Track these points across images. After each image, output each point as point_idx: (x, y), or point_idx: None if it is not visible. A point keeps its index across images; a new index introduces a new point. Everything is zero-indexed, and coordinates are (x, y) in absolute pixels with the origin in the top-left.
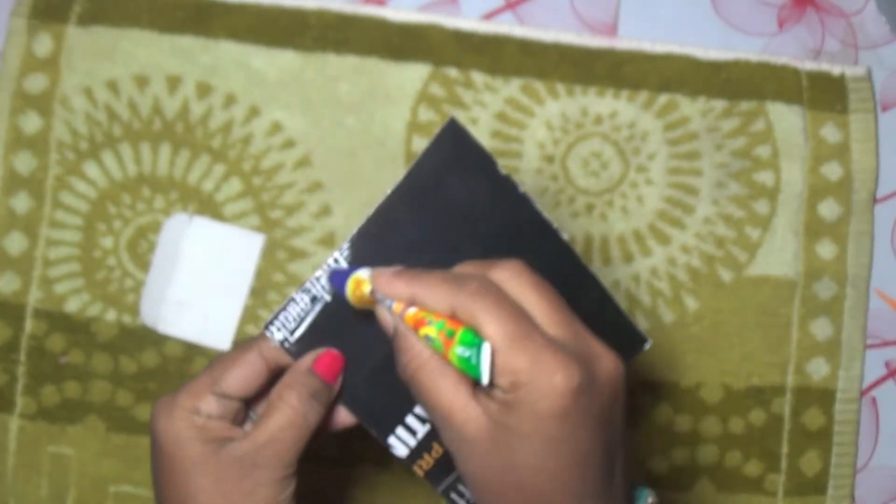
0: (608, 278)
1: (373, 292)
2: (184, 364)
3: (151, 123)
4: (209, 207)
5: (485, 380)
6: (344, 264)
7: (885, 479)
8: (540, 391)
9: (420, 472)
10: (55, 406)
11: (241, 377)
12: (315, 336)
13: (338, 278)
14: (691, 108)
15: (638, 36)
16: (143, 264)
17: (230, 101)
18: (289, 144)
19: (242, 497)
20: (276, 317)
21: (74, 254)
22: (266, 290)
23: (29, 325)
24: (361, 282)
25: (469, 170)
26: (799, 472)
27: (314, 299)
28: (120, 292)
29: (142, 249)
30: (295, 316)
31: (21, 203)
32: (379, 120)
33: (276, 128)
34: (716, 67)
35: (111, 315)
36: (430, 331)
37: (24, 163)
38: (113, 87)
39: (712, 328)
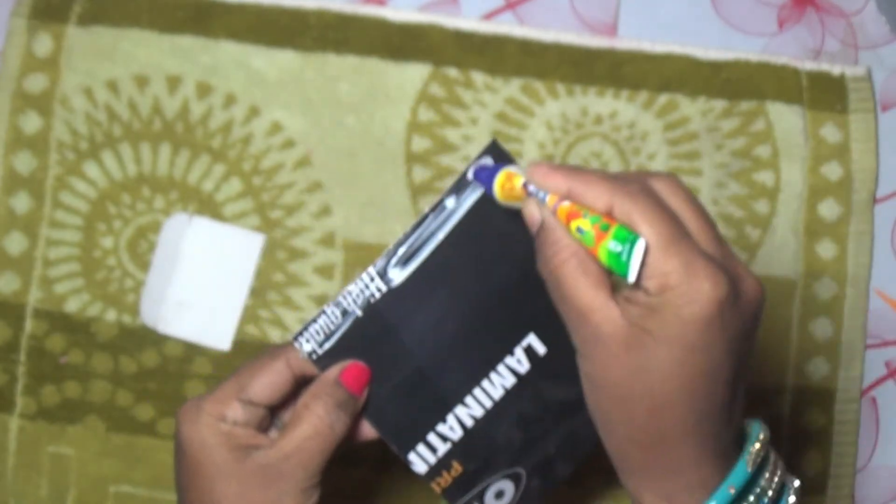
0: None
1: (526, 184)
2: (184, 364)
3: (151, 123)
4: (209, 207)
5: (632, 277)
6: (377, 279)
7: (885, 479)
8: (687, 296)
9: (438, 489)
10: (55, 406)
11: (268, 385)
12: (343, 349)
13: (485, 174)
14: (691, 108)
15: (638, 36)
16: (143, 264)
17: (230, 101)
18: (289, 144)
19: (259, 494)
20: (305, 328)
21: (74, 254)
22: (266, 290)
23: (29, 325)
24: (513, 175)
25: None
26: (799, 472)
27: (345, 313)
28: (120, 292)
29: (142, 249)
30: (324, 328)
31: (21, 203)
32: (379, 120)
33: (276, 128)
34: (716, 67)
35: (111, 315)
36: (584, 223)
37: (24, 163)
38: (113, 87)
39: None
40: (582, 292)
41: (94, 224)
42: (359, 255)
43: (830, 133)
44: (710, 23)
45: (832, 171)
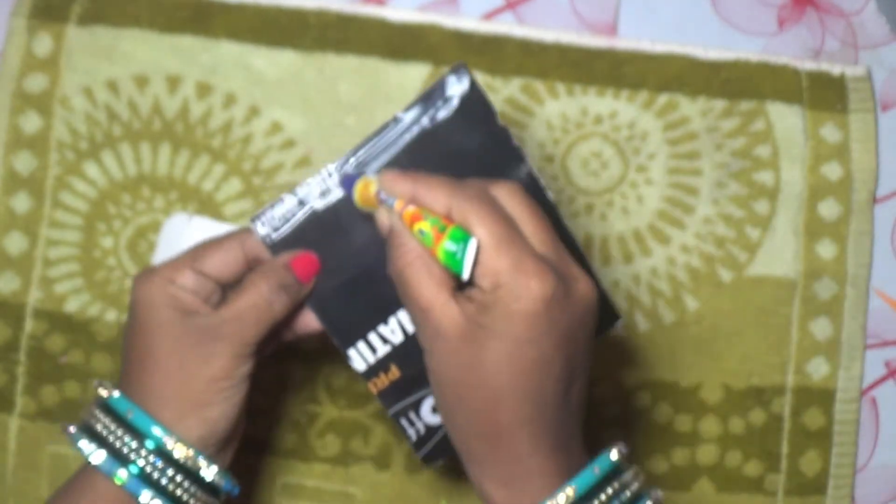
0: (608, 278)
1: (378, 192)
2: None
3: (151, 123)
4: (209, 207)
5: (465, 274)
6: (335, 174)
7: (885, 479)
8: (516, 292)
9: (374, 390)
10: (55, 406)
11: (220, 260)
12: (296, 239)
13: (347, 181)
14: (691, 108)
15: (638, 36)
16: (143, 264)
17: (230, 101)
18: (289, 144)
19: (198, 363)
20: (263, 213)
21: (74, 254)
22: None
23: (29, 325)
24: (369, 183)
25: (471, 116)
26: (799, 472)
27: (301, 203)
28: (120, 292)
29: (142, 249)
30: (281, 216)
31: (21, 203)
32: (379, 120)
33: (276, 128)
34: (716, 67)
35: (111, 315)
36: (424, 225)
37: (24, 163)
38: (113, 87)
39: (712, 328)
40: (424, 292)
41: (94, 224)
42: None
43: (830, 133)
44: (710, 23)
45: (832, 170)
